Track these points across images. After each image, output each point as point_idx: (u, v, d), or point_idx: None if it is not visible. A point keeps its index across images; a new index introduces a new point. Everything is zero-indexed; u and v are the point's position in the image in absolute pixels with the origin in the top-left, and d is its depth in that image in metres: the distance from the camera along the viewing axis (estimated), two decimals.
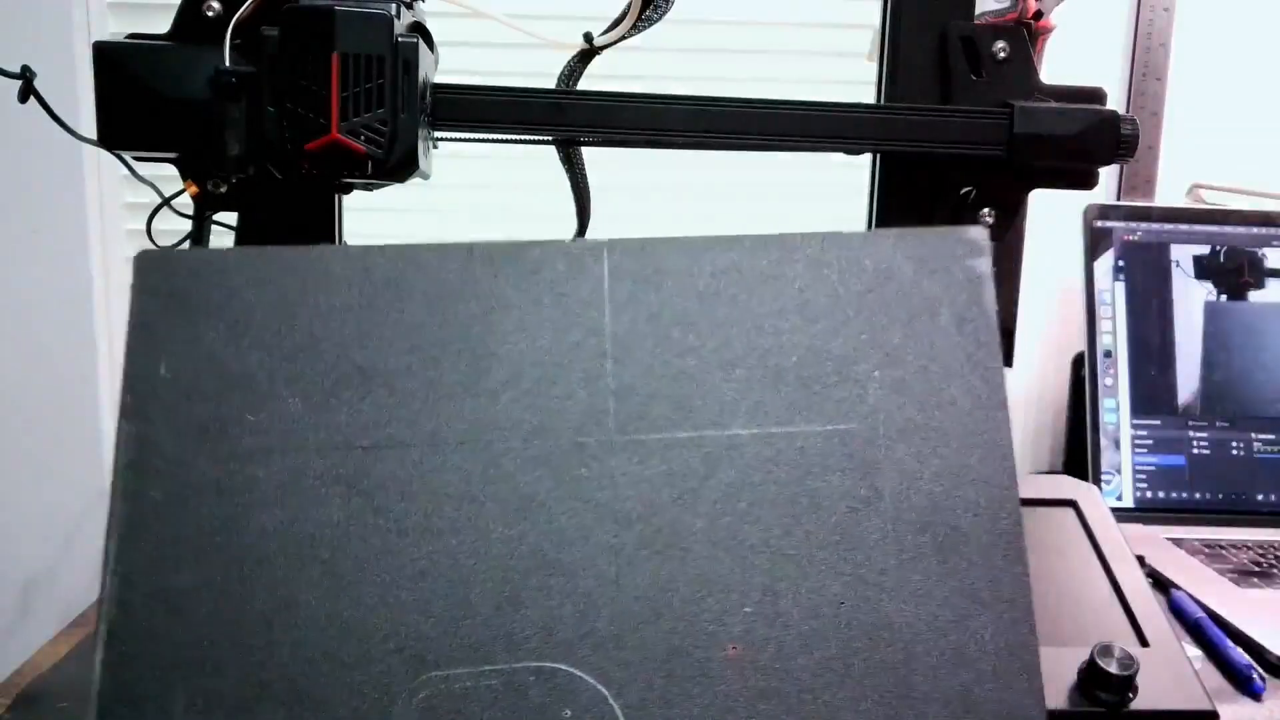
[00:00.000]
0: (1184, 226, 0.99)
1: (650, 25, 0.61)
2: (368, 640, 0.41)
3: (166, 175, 0.62)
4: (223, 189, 0.60)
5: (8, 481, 1.04)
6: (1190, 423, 0.95)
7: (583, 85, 0.63)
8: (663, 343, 0.45)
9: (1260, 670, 0.62)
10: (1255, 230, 0.99)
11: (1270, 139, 1.08)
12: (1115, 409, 0.95)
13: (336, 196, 0.63)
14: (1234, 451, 0.95)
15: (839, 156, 0.64)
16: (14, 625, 1.05)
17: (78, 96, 0.91)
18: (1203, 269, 0.98)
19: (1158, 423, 0.95)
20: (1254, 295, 0.98)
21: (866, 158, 0.67)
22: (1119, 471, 0.94)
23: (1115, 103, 0.74)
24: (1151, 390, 0.96)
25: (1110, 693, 0.52)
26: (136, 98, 0.57)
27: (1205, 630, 0.66)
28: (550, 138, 0.62)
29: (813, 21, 1.05)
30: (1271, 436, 0.95)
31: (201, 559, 0.42)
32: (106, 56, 0.57)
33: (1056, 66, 0.70)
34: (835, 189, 0.91)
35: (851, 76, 0.80)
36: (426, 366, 0.44)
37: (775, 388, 0.45)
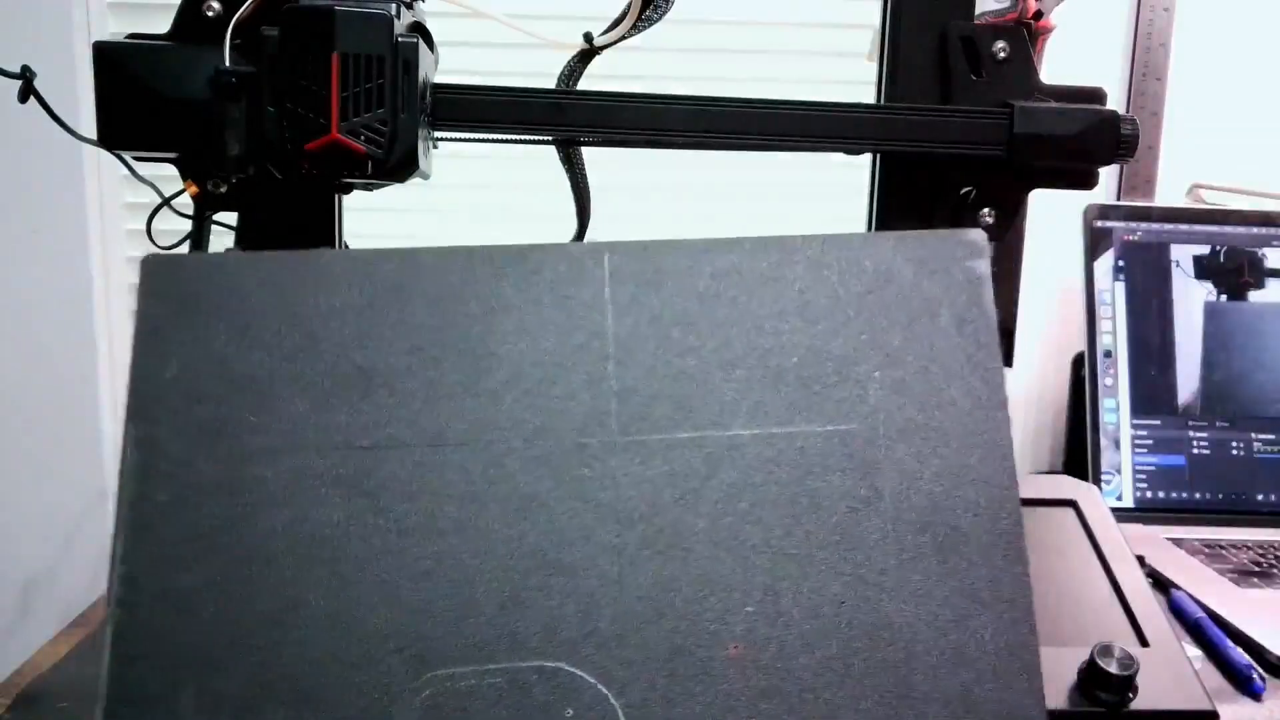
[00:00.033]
0: (1184, 226, 0.99)
1: (650, 25, 0.61)
2: (371, 640, 0.41)
3: (166, 175, 0.62)
4: (223, 189, 0.60)
5: (8, 481, 1.04)
6: (1190, 423, 0.95)
7: (583, 85, 0.63)
8: (664, 344, 0.45)
9: (1260, 670, 0.62)
10: (1255, 230, 0.99)
11: (1270, 139, 1.08)
12: (1115, 409, 0.95)
13: (336, 196, 0.63)
14: (1234, 451, 0.95)
15: (839, 156, 0.64)
16: (14, 625, 1.05)
17: (78, 96, 0.91)
18: (1203, 269, 0.98)
19: (1158, 423, 0.95)
20: (1254, 295, 0.98)
21: (866, 158, 0.67)
22: (1119, 471, 0.94)
23: (1115, 103, 0.74)
24: (1151, 390, 0.96)
25: (1110, 693, 0.52)
26: (136, 98, 0.57)
27: (1205, 630, 0.66)
28: (550, 138, 0.62)
29: (813, 21, 1.05)
30: (1271, 436, 0.95)
31: (207, 559, 0.42)
32: (106, 56, 0.57)
33: (1056, 66, 0.70)
34: (835, 189, 0.91)
35: (851, 76, 0.80)
36: (427, 367, 0.44)
37: (776, 388, 0.45)
